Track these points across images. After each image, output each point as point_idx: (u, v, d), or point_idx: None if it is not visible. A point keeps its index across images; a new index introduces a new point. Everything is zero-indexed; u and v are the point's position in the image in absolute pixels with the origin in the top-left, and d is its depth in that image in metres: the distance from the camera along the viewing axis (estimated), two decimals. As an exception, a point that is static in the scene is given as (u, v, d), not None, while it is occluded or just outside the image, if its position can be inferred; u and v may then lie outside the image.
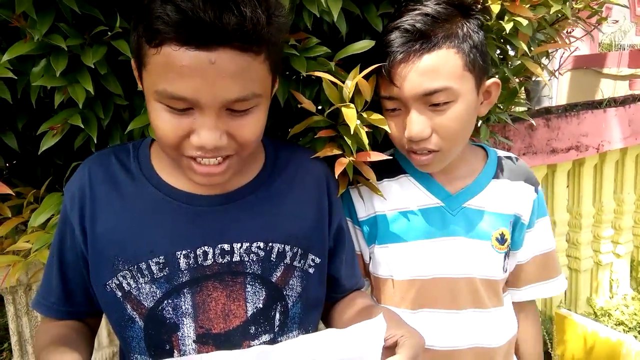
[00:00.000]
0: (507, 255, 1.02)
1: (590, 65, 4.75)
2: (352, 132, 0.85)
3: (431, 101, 0.87)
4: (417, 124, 0.88)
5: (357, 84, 0.87)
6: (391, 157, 0.95)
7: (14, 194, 0.91)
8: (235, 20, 0.61)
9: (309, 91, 0.98)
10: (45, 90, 0.87)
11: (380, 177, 1.01)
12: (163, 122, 0.67)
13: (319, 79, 0.98)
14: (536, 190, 1.05)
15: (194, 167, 0.70)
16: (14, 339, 1.34)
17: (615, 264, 2.69)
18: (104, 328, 1.39)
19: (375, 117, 0.91)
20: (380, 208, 1.01)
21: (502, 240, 1.00)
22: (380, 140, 1.09)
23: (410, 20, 0.87)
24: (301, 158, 0.89)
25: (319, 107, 0.98)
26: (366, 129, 0.90)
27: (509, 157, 1.07)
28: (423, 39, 0.85)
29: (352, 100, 0.89)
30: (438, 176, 1.01)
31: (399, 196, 1.01)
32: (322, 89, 0.91)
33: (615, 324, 2.50)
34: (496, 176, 1.02)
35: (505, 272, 1.03)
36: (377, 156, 0.91)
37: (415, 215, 0.99)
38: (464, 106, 0.88)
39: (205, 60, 0.61)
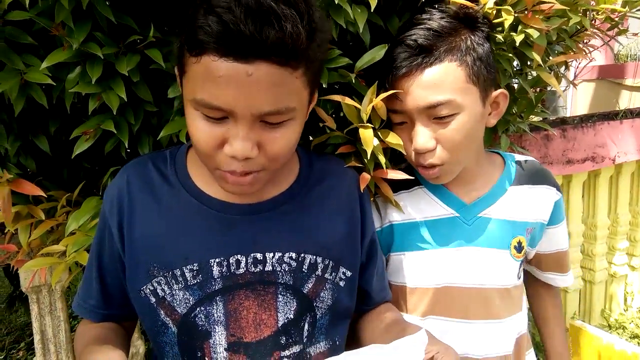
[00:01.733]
0: (522, 262, 1.04)
1: (606, 76, 4.72)
2: (368, 156, 0.88)
3: (435, 114, 0.88)
4: (422, 136, 0.90)
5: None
6: (410, 177, 0.97)
7: (45, 196, 0.94)
8: (275, 35, 0.61)
9: (330, 105, 0.99)
10: (79, 96, 0.90)
11: (396, 189, 1.03)
12: (198, 129, 0.68)
13: (340, 87, 1.00)
14: (559, 190, 1.07)
15: (226, 177, 0.71)
16: (37, 337, 1.36)
17: (630, 277, 2.67)
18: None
19: (392, 138, 0.92)
20: (396, 218, 1.02)
21: (519, 248, 1.01)
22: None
23: (413, 35, 0.89)
24: (335, 170, 0.90)
25: (341, 114, 1.00)
26: (384, 146, 0.92)
27: (528, 161, 1.08)
28: (425, 53, 0.88)
29: (369, 119, 0.91)
30: (453, 187, 1.02)
31: (414, 207, 1.02)
32: (326, 103, 0.94)
33: (630, 337, 2.48)
34: (515, 182, 1.03)
35: (519, 279, 1.04)
36: (394, 174, 0.94)
37: (430, 225, 1.01)
38: (468, 118, 0.90)
39: (242, 72, 0.62)
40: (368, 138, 0.88)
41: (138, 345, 1.45)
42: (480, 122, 0.94)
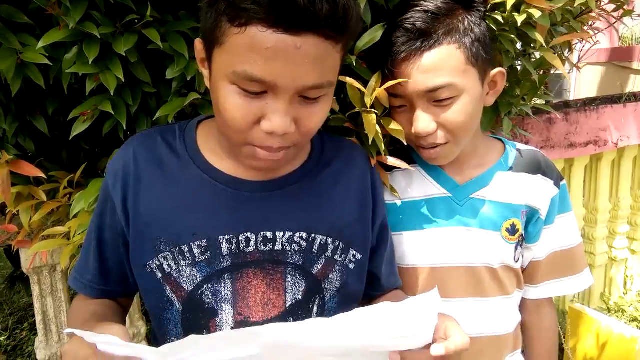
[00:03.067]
0: (519, 245, 1.03)
1: (611, 59, 4.67)
2: (370, 142, 0.87)
3: (435, 97, 0.88)
4: (422, 120, 0.90)
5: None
6: (409, 167, 0.97)
7: (45, 177, 0.94)
8: (328, 8, 0.60)
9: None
10: (77, 76, 0.89)
11: (390, 168, 1.03)
12: (234, 105, 0.66)
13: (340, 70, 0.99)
14: (557, 185, 1.05)
15: (256, 153, 0.70)
16: (38, 318, 1.38)
17: (630, 260, 2.67)
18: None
19: (393, 126, 0.92)
20: (389, 198, 1.02)
21: (513, 231, 1.01)
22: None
23: (411, 18, 0.88)
24: (348, 151, 0.89)
25: (341, 96, 0.99)
26: (384, 132, 0.92)
27: (528, 150, 1.07)
28: (423, 37, 0.86)
29: (372, 106, 0.90)
30: (447, 167, 1.02)
31: (407, 187, 1.03)
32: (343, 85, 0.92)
33: (629, 320, 2.49)
34: (512, 169, 1.03)
35: (517, 262, 1.03)
36: (394, 162, 0.94)
37: (422, 204, 1.01)
38: (468, 100, 0.89)
39: (291, 45, 0.61)
40: (371, 124, 0.87)
41: (140, 325, 1.46)
42: (479, 102, 0.94)
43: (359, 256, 0.84)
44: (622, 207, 2.55)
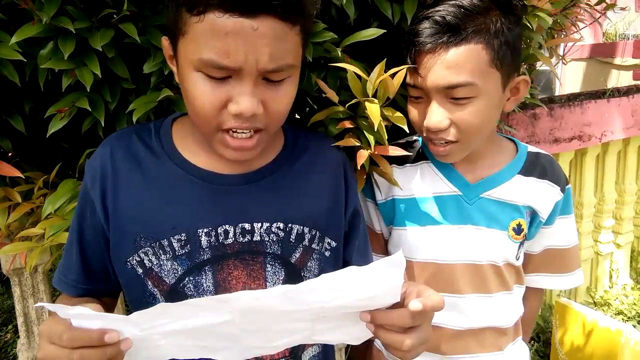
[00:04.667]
0: (522, 244, 1.04)
1: (595, 55, 4.72)
2: (375, 129, 0.85)
3: (453, 95, 0.87)
4: (436, 115, 0.89)
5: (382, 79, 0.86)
6: (408, 154, 0.97)
7: (23, 177, 0.92)
8: None
9: (332, 80, 0.98)
10: (53, 73, 0.87)
11: (402, 162, 1.03)
12: (201, 92, 0.67)
13: (325, 65, 0.98)
14: (563, 190, 1.04)
15: (227, 141, 0.71)
16: (20, 320, 1.35)
17: (615, 254, 2.70)
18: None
19: (396, 115, 0.91)
20: (397, 193, 1.03)
21: (518, 230, 1.01)
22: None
23: (442, 11, 0.86)
24: (319, 143, 0.90)
25: (324, 95, 0.98)
26: (386, 123, 0.90)
27: (538, 154, 1.06)
28: (452, 32, 0.85)
29: (374, 95, 0.89)
30: (459, 165, 1.02)
31: (418, 182, 1.03)
32: (327, 77, 0.91)
33: (615, 314, 2.52)
34: (522, 172, 1.02)
35: (518, 259, 1.04)
36: (395, 151, 0.93)
37: (431, 201, 1.01)
38: (485, 102, 0.88)
39: (248, 27, 0.62)
40: (375, 112, 0.85)
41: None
42: (497, 107, 0.92)
43: (333, 244, 0.85)
44: (607, 202, 2.57)
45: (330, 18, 0.97)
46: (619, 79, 4.37)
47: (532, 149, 1.07)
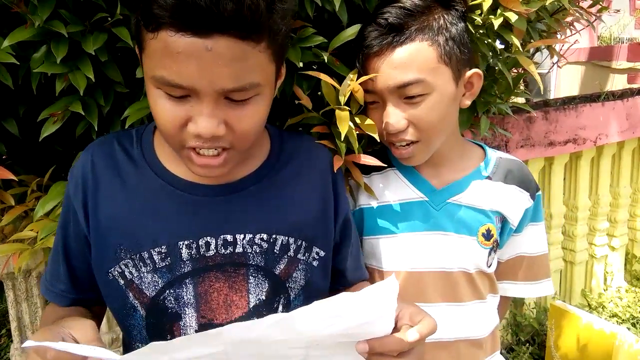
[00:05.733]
0: (492, 250, 1.02)
1: (590, 58, 4.74)
2: (342, 138, 0.86)
3: (405, 94, 0.87)
4: (393, 116, 0.89)
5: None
6: (383, 165, 0.95)
7: (16, 180, 0.91)
8: (232, 7, 0.58)
9: (306, 84, 0.98)
10: (47, 76, 0.87)
11: (368, 171, 1.02)
12: (161, 109, 0.66)
13: (317, 68, 0.98)
14: (532, 197, 1.04)
15: (193, 158, 0.69)
16: (13, 324, 1.35)
17: (609, 257, 2.71)
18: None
19: (368, 123, 0.91)
20: (365, 202, 1.01)
21: (488, 236, 1.00)
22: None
23: (385, 14, 0.87)
24: (308, 148, 0.88)
25: (319, 93, 0.98)
26: (359, 131, 0.91)
27: (508, 160, 1.05)
28: (395, 32, 0.86)
29: (348, 103, 0.89)
30: (424, 170, 1.01)
31: (384, 190, 1.01)
32: (320, 82, 0.91)
33: (609, 316, 2.53)
34: (490, 177, 1.01)
35: (490, 267, 1.02)
36: (366, 159, 0.93)
37: (399, 209, 1.00)
38: (439, 98, 0.88)
39: (201, 47, 0.60)
40: (344, 119, 0.86)
41: (118, 331, 1.44)
42: (453, 102, 0.93)
43: (322, 253, 0.84)
44: (601, 205, 2.58)
45: (322, 21, 0.97)
46: (614, 82, 4.38)
47: (501, 154, 1.06)
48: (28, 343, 0.56)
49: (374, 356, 0.64)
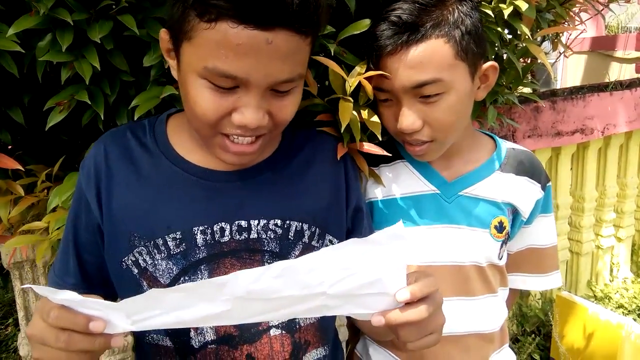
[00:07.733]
0: (504, 243, 1.01)
1: (597, 48, 4.69)
2: (342, 129, 0.86)
3: (422, 93, 0.85)
4: (408, 117, 0.87)
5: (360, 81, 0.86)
6: (388, 154, 0.94)
7: (24, 170, 0.91)
8: (298, 2, 0.60)
9: (313, 71, 0.96)
10: (52, 65, 0.87)
11: (376, 164, 1.01)
12: (204, 99, 0.66)
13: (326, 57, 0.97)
14: (543, 188, 1.03)
15: (227, 146, 0.70)
16: (20, 314, 1.35)
17: (616, 248, 2.70)
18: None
19: (373, 120, 0.90)
20: (374, 195, 1.00)
21: (500, 228, 0.99)
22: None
23: (397, 10, 0.84)
24: (318, 138, 0.89)
25: (326, 83, 0.97)
26: (362, 120, 0.90)
27: (519, 151, 1.04)
28: (410, 30, 0.82)
29: (355, 94, 0.88)
30: (435, 162, 0.99)
31: (394, 183, 1.00)
32: (327, 73, 0.90)
33: (615, 307, 2.52)
34: (501, 169, 1.00)
35: (501, 259, 1.02)
36: (370, 147, 0.92)
37: (410, 201, 0.98)
38: (456, 96, 0.86)
39: (262, 40, 0.60)
40: (346, 111, 0.85)
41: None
42: (469, 98, 0.90)
43: (335, 241, 0.84)
44: (608, 195, 2.57)
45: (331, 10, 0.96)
46: (622, 72, 4.34)
47: (512, 145, 1.05)
48: (31, 286, 0.57)
49: (397, 327, 0.64)
